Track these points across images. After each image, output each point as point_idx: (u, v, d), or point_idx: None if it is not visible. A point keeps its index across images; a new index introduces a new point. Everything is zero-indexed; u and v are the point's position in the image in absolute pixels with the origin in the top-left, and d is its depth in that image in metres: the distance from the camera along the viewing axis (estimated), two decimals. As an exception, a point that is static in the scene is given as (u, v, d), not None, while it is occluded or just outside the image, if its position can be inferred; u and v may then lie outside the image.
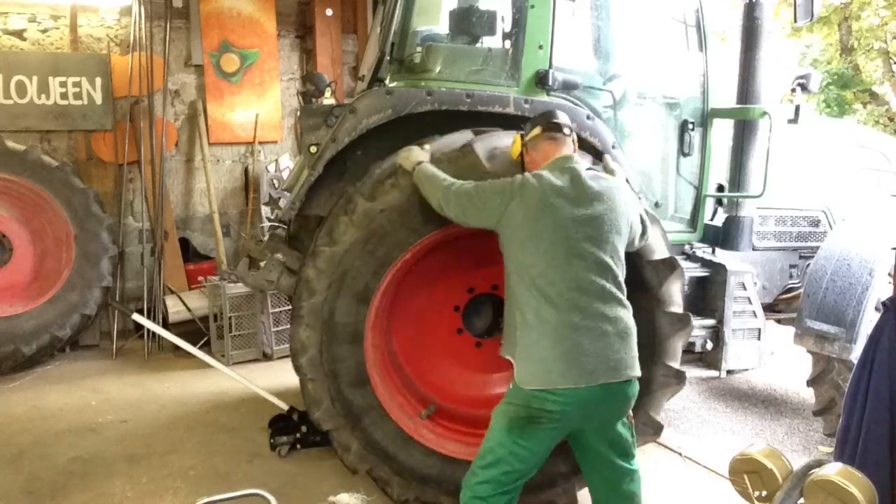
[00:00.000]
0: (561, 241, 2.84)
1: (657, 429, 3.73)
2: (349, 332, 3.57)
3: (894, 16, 12.24)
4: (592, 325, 2.78)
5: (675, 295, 3.57)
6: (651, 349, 3.51)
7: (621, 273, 2.95)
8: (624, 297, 2.91)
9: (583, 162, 3.17)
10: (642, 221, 3.19)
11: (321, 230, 3.63)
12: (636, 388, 2.91)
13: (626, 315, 2.89)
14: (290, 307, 5.71)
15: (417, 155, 3.40)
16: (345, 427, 3.69)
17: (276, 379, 5.84)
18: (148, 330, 6.71)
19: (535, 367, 2.80)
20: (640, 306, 3.22)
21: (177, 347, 5.55)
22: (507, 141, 3.46)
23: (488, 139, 3.53)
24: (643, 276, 3.45)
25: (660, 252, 3.48)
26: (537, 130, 3.17)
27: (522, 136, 3.25)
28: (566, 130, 3.16)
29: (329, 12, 7.98)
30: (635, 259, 3.32)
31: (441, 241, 3.69)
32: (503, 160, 3.39)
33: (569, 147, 3.16)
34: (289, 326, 6.22)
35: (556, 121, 3.17)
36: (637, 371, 2.88)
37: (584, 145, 3.82)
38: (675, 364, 3.63)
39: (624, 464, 3.01)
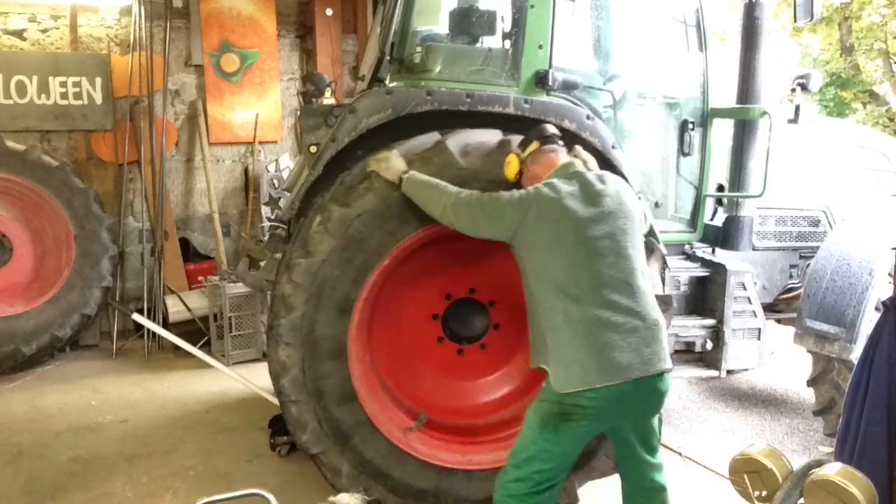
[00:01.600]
0: (583, 242, 2.87)
1: None
2: (332, 347, 3.48)
3: (895, 14, 12.24)
4: (622, 320, 2.78)
5: (655, 277, 3.57)
6: None
7: (644, 266, 2.97)
8: (650, 291, 2.93)
9: (583, 164, 3.19)
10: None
11: (293, 243, 3.54)
12: (669, 381, 2.90)
13: (655, 309, 2.90)
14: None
15: (398, 163, 3.40)
16: (333, 448, 3.58)
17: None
18: (148, 330, 6.71)
19: (571, 369, 2.78)
20: None
21: (177, 347, 5.55)
22: (479, 138, 3.48)
23: (460, 136, 3.53)
24: None
25: None
26: (535, 145, 3.21)
27: (518, 155, 3.26)
28: (560, 141, 3.24)
29: (329, 12, 7.98)
30: None
31: (417, 246, 3.64)
32: (476, 156, 3.40)
33: (565, 154, 3.22)
34: None
35: (550, 133, 3.24)
36: (669, 364, 2.87)
37: (584, 146, 3.83)
38: None
39: (650, 458, 3.04)
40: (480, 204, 3.08)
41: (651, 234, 3.35)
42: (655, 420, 3.02)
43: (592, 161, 3.37)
